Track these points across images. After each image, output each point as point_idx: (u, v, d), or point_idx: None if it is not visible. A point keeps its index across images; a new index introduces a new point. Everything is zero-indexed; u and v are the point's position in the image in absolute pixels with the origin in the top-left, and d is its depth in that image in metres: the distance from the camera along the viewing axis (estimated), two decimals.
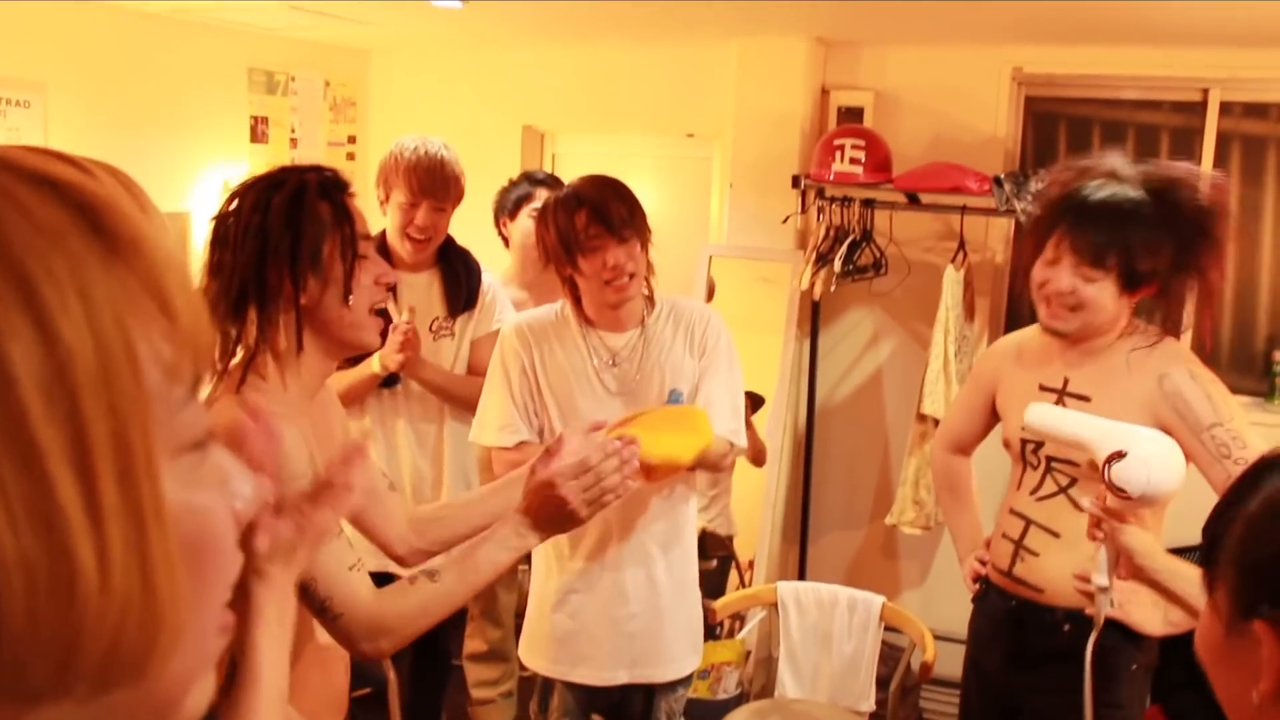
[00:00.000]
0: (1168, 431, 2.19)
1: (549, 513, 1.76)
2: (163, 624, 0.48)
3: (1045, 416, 2.14)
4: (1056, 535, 2.35)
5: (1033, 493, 2.40)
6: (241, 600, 1.27)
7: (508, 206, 3.64)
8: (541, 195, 3.58)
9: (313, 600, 1.62)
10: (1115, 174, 2.27)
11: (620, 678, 2.61)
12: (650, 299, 2.59)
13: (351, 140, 5.10)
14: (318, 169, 1.73)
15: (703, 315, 2.63)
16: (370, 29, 4.34)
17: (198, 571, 0.50)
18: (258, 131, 4.57)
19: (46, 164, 0.51)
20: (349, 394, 2.88)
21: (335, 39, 4.75)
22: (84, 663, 0.46)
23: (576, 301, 2.55)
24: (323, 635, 1.78)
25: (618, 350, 2.55)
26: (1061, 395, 2.34)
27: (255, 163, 4.53)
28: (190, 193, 4.29)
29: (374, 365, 2.89)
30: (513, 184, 3.72)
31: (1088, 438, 2.02)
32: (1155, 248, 2.20)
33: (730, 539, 4.13)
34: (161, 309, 0.50)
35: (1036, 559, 2.38)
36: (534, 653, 2.68)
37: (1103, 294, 2.24)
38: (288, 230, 1.65)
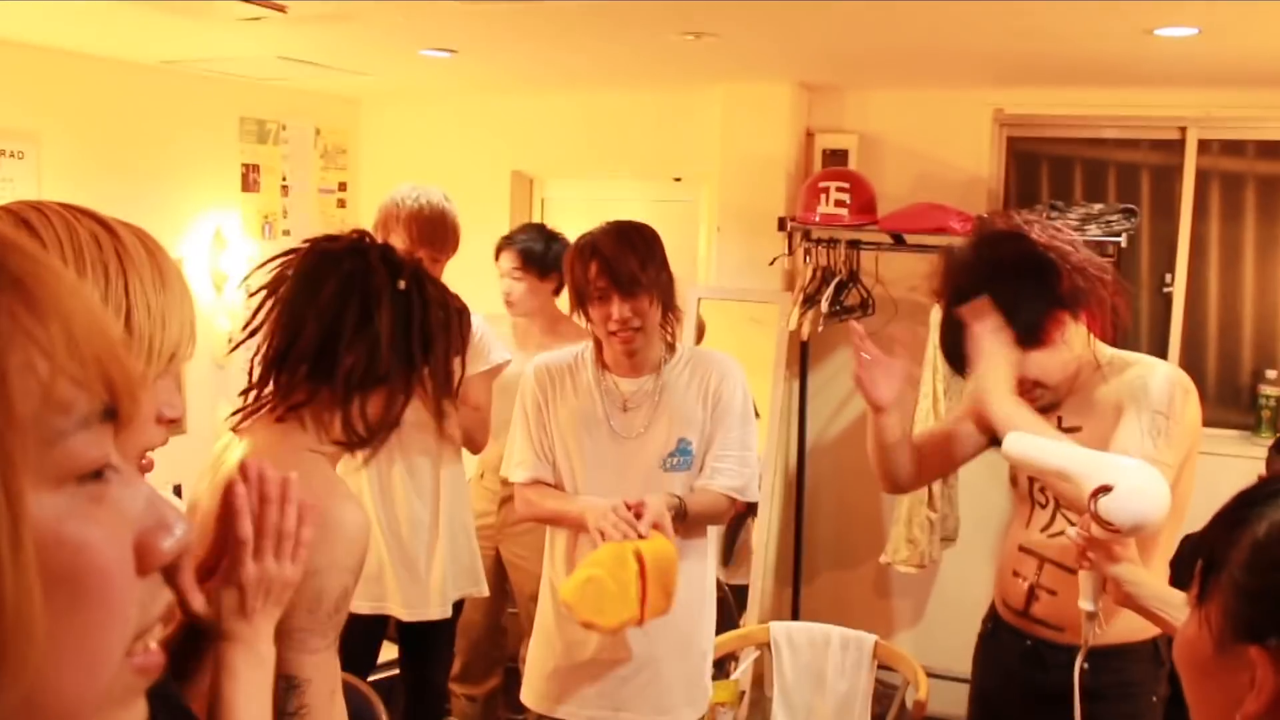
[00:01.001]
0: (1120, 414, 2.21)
1: None
2: (4, 636, 0.49)
3: (1024, 447, 2.11)
4: (1073, 572, 2.35)
5: (1044, 530, 2.39)
6: (214, 662, 1.28)
7: None
8: (504, 258, 3.76)
9: (291, 699, 1.55)
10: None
11: (604, 718, 2.61)
12: (671, 346, 2.62)
13: (342, 187, 5.14)
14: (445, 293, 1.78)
15: (721, 367, 2.64)
16: (360, 78, 4.39)
17: (74, 601, 0.52)
18: (249, 180, 4.61)
19: None
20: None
21: (326, 88, 4.80)
22: None
23: (598, 344, 2.60)
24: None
25: (629, 396, 2.58)
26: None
27: (246, 210, 4.57)
28: (182, 240, 4.32)
29: None
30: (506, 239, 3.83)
31: (1072, 470, 2.00)
32: (1024, 300, 2.24)
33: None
34: (68, 346, 0.52)
35: (1055, 597, 2.36)
36: (529, 690, 2.71)
37: (1041, 361, 2.26)
38: (446, 336, 1.70)
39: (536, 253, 3.71)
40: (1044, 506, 2.40)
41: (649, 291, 2.48)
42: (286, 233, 4.75)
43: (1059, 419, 2.35)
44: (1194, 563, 1.04)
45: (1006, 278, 2.27)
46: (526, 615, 3.92)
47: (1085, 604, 2.04)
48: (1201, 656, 1.00)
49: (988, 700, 2.57)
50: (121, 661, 0.56)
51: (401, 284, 1.66)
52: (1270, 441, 3.94)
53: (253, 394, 1.65)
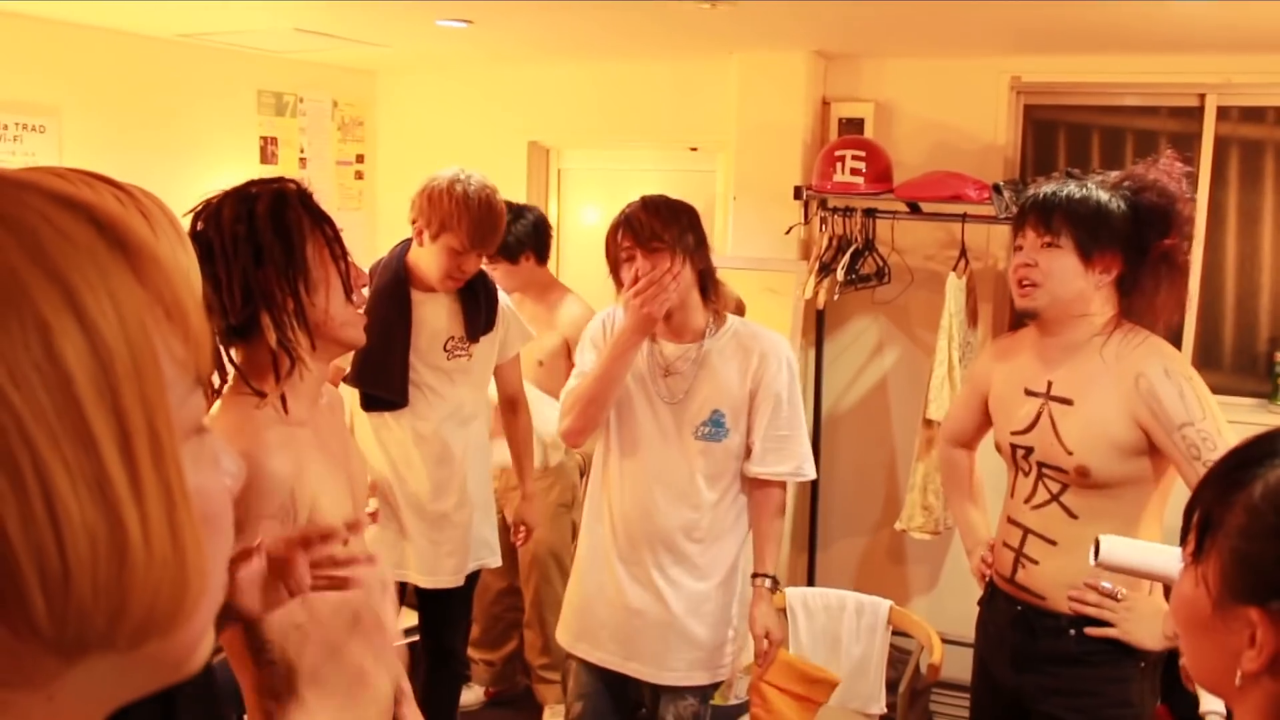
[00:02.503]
0: (1145, 431, 2.23)
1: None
2: (189, 586, 0.55)
3: (1118, 552, 1.95)
4: (1053, 543, 2.37)
5: (1027, 500, 2.43)
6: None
7: None
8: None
9: (252, 639, 1.65)
10: (1075, 175, 2.40)
11: (612, 663, 2.71)
12: (719, 315, 2.67)
13: (360, 159, 5.17)
14: (280, 179, 1.77)
15: (765, 342, 2.67)
16: (376, 50, 4.40)
17: (208, 541, 0.57)
18: (267, 152, 4.64)
19: (62, 186, 0.57)
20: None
21: (342, 60, 4.82)
22: (129, 618, 0.53)
23: None
24: (355, 648, 1.81)
25: (672, 361, 2.64)
26: (1046, 399, 2.37)
27: None
28: (181, 218, 4.34)
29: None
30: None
31: (1163, 571, 1.91)
32: (1105, 215, 2.28)
33: None
34: (170, 312, 0.57)
35: (1037, 566, 2.40)
36: (561, 625, 2.84)
37: (1063, 262, 2.29)
38: (278, 238, 1.67)
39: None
40: (1026, 475, 2.42)
41: (670, 249, 2.52)
42: None
43: (1049, 384, 2.37)
44: (1190, 518, 1.06)
45: (1127, 199, 2.30)
46: (526, 582, 3.99)
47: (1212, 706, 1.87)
48: (1199, 614, 1.02)
49: (986, 665, 2.61)
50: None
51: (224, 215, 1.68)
52: None
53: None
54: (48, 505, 0.49)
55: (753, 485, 2.68)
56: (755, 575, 2.67)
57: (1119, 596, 2.27)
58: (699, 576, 2.66)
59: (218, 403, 1.70)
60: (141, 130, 4.17)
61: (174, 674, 0.59)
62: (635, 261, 2.53)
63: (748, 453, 2.64)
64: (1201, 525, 1.03)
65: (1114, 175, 2.37)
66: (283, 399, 1.71)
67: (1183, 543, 1.08)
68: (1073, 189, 2.32)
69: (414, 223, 3.01)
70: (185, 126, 4.33)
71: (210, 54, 4.35)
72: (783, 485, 2.71)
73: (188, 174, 4.29)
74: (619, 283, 2.60)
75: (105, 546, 0.51)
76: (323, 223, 1.74)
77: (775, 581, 2.70)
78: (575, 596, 2.79)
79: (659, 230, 2.52)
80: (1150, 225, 2.27)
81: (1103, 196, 2.30)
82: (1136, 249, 2.29)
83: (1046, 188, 2.37)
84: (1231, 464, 1.03)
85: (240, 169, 4.52)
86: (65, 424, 0.50)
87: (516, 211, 3.82)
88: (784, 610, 3.53)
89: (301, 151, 4.81)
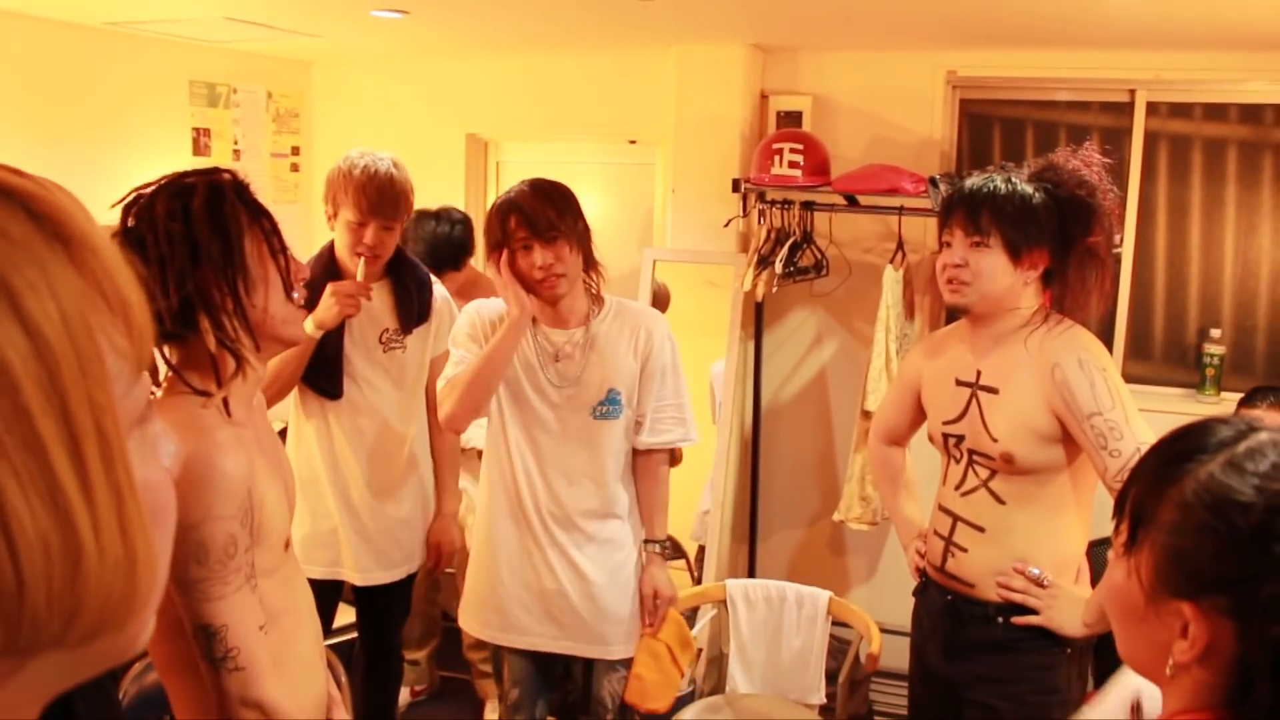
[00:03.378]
0: (1060, 420, 2.27)
1: None
2: (140, 580, 0.55)
3: None
4: (982, 530, 2.41)
5: (957, 487, 2.47)
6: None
7: None
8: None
9: (214, 646, 1.58)
10: (1002, 170, 2.43)
11: (545, 645, 2.76)
12: (598, 298, 2.73)
13: (295, 151, 5.10)
14: (216, 170, 1.69)
15: (648, 319, 2.78)
16: (312, 40, 4.34)
17: (156, 530, 0.57)
18: (200, 144, 4.56)
19: None
20: (281, 377, 2.86)
21: (277, 51, 4.75)
22: (83, 620, 0.53)
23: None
24: (301, 645, 1.79)
25: (560, 346, 2.69)
26: (975, 388, 2.41)
27: None
28: (107, 210, 4.26)
29: (309, 328, 2.79)
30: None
31: None
32: (1033, 213, 2.31)
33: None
34: (111, 302, 0.55)
35: (966, 554, 2.44)
36: (469, 616, 2.84)
37: (992, 261, 2.33)
38: (216, 235, 1.61)
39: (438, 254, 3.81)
40: (958, 462, 2.46)
41: (567, 239, 2.59)
42: None
43: (978, 373, 2.41)
44: (1121, 509, 1.07)
45: (1051, 194, 2.33)
46: (461, 576, 3.96)
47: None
48: (1131, 604, 1.04)
49: (920, 653, 2.65)
50: None
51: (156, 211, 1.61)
52: (1213, 398, 4.02)
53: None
54: (0, 518, 0.48)
55: (639, 456, 2.79)
56: (647, 541, 2.81)
57: (1045, 583, 2.31)
58: (614, 549, 2.75)
59: (156, 402, 1.66)
60: (68, 122, 4.08)
61: (119, 660, 0.59)
62: (534, 252, 2.57)
63: (636, 426, 2.74)
64: (1134, 518, 1.04)
65: (1035, 164, 2.40)
66: (225, 401, 1.66)
67: (1114, 532, 1.09)
68: (999, 185, 2.35)
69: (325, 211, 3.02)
70: (115, 118, 4.24)
71: (140, 43, 4.27)
72: (667, 453, 2.82)
73: (118, 166, 4.20)
74: (498, 267, 2.62)
75: (59, 555, 0.50)
76: (260, 216, 1.68)
77: (665, 546, 2.84)
78: (485, 588, 2.79)
79: (555, 220, 2.57)
80: (1073, 221, 2.31)
81: (1028, 192, 2.33)
82: (1061, 244, 2.33)
83: (972, 183, 2.40)
84: (1163, 458, 1.04)
85: (172, 161, 4.42)
86: (14, 434, 0.49)
87: (448, 218, 3.83)
88: (724, 601, 3.54)
89: (235, 143, 4.73)
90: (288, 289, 1.72)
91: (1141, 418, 2.24)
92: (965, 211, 2.36)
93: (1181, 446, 1.03)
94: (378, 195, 2.92)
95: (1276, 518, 0.93)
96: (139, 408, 0.58)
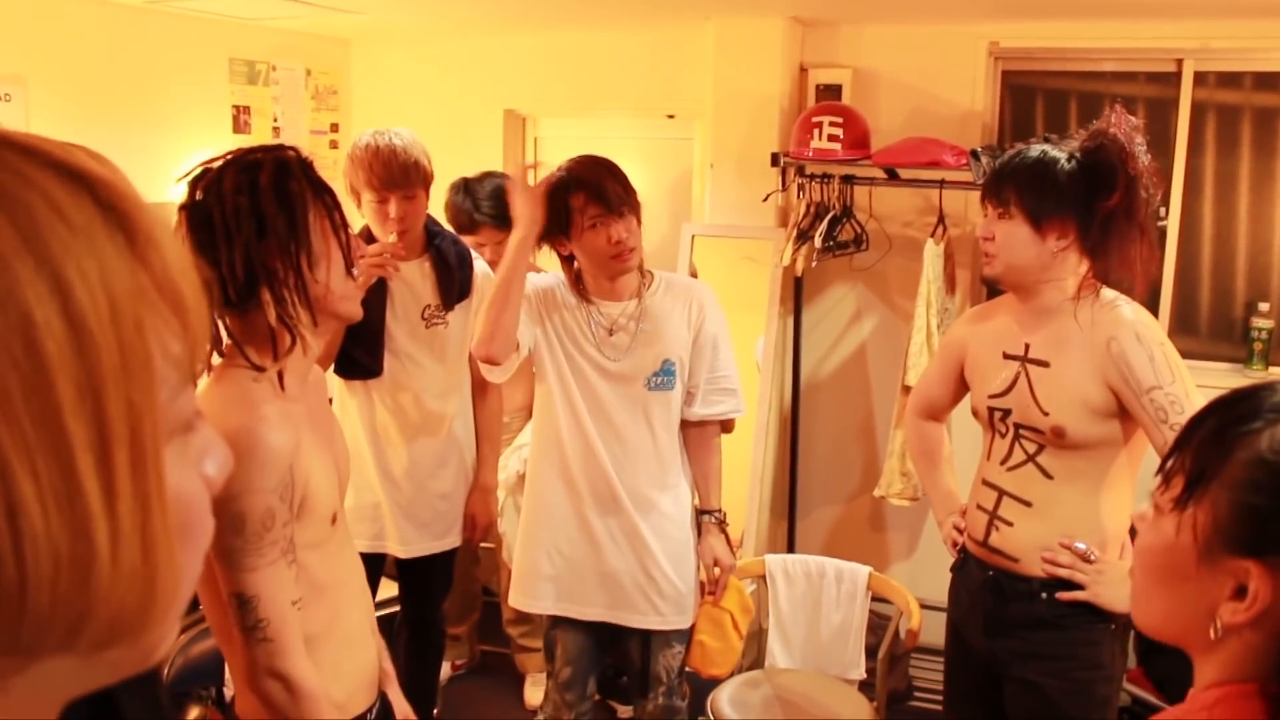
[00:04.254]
0: (1115, 394, 2.24)
1: None
2: (158, 596, 0.52)
3: None
4: (1029, 505, 2.39)
5: (1003, 462, 2.44)
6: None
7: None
8: (486, 234, 3.63)
9: (246, 615, 1.61)
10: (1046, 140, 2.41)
11: (602, 615, 2.78)
12: (644, 272, 2.74)
13: (334, 129, 5.11)
14: (281, 147, 1.72)
15: (698, 291, 2.81)
16: (350, 17, 4.35)
17: (183, 546, 0.55)
18: (240, 121, 4.58)
19: (70, 155, 0.53)
20: None
21: (316, 28, 4.76)
22: (90, 629, 0.50)
23: (574, 277, 2.73)
24: (349, 618, 1.81)
25: (615, 319, 2.71)
26: (1023, 361, 2.39)
27: None
28: (173, 184, 4.29)
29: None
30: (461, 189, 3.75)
31: None
32: (1052, 181, 2.29)
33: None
34: (173, 307, 0.53)
35: (1011, 529, 2.41)
36: (522, 592, 2.85)
37: (1015, 231, 2.32)
38: (282, 210, 1.64)
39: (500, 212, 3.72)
40: (1003, 436, 2.44)
41: (635, 211, 2.63)
42: None
43: (1026, 346, 2.39)
44: (1172, 466, 1.05)
45: (1082, 163, 2.30)
46: (498, 544, 3.97)
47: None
48: (1180, 561, 1.01)
49: (957, 630, 2.63)
50: None
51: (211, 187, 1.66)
52: (1260, 373, 3.96)
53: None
54: (9, 516, 0.46)
55: (691, 428, 2.80)
56: (703, 512, 2.83)
57: (1092, 558, 2.29)
58: (671, 520, 2.77)
59: (209, 375, 1.67)
60: (110, 100, 4.11)
61: (135, 669, 0.56)
62: (609, 227, 2.58)
63: (688, 397, 2.76)
64: (1194, 474, 1.02)
65: (1083, 135, 2.37)
66: (279, 375, 1.68)
67: (1158, 490, 1.07)
68: (1028, 155, 2.34)
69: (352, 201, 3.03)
70: (156, 96, 4.27)
71: (180, 21, 4.29)
72: (718, 424, 2.83)
73: (160, 145, 4.23)
74: (572, 249, 2.65)
75: (68, 562, 0.48)
76: (324, 193, 1.71)
77: (722, 516, 2.84)
78: (542, 560, 2.79)
79: (624, 194, 2.61)
80: (1098, 186, 2.28)
81: (1056, 162, 2.31)
82: (1088, 212, 2.29)
83: (1008, 154, 2.41)
84: (1227, 417, 1.02)
85: (212, 139, 4.47)
86: (40, 432, 0.46)
87: (475, 183, 3.75)
88: (763, 577, 3.54)
89: (275, 121, 4.75)
90: (348, 265, 1.75)
91: (1200, 393, 2.21)
92: (992, 184, 2.38)
93: (1247, 406, 1.01)
94: (385, 169, 2.92)
95: None
96: (184, 415, 0.55)
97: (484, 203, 3.60)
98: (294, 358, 1.69)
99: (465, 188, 3.67)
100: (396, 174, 2.93)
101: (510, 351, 2.64)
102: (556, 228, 2.63)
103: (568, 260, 2.72)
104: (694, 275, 4.33)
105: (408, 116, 4.91)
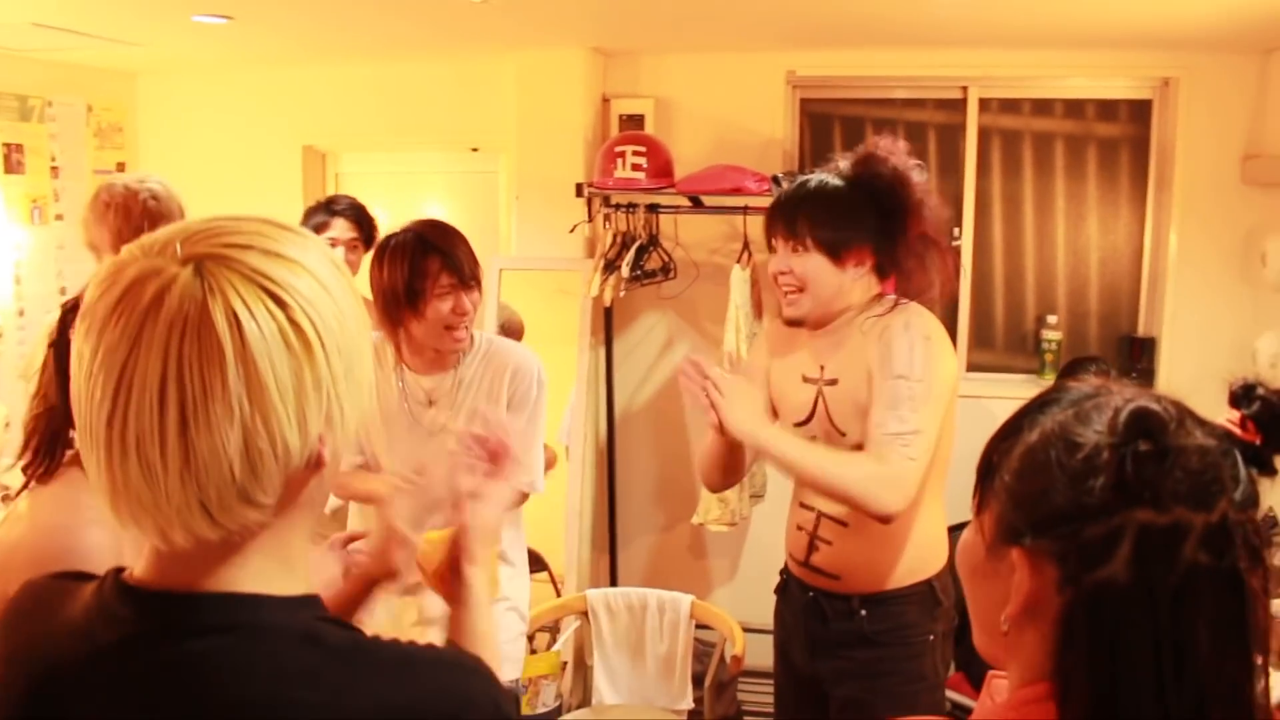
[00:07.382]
0: (870, 373, 2.27)
1: None
2: None
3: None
4: (844, 525, 2.40)
5: None
6: (459, 585, 1.39)
7: None
8: (339, 225, 3.51)
9: None
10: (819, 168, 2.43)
11: None
12: (470, 338, 2.64)
13: (121, 168, 4.85)
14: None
15: (515, 362, 2.67)
16: (133, 49, 4.13)
17: None
18: (12, 160, 4.30)
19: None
20: None
21: (97, 60, 4.51)
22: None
23: (394, 341, 2.61)
24: None
25: (431, 390, 2.62)
26: (820, 383, 2.40)
27: (10, 193, 4.26)
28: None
29: None
30: (309, 212, 3.60)
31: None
32: (846, 213, 2.31)
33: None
34: None
35: (831, 547, 2.42)
36: None
37: (814, 266, 2.32)
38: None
39: (369, 217, 3.58)
40: None
41: (479, 283, 2.55)
42: (60, 217, 4.46)
43: (822, 368, 2.40)
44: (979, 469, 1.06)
45: (864, 189, 2.31)
46: None
47: None
48: (975, 560, 1.03)
49: (784, 651, 2.63)
50: None
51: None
52: (1052, 382, 4.14)
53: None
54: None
55: None
56: None
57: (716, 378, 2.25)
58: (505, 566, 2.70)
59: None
60: None
61: None
62: (458, 297, 2.51)
63: None
64: (982, 475, 1.03)
65: (852, 158, 2.38)
66: None
67: (973, 496, 1.08)
68: (812, 188, 2.34)
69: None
70: None
71: None
72: (521, 495, 2.69)
73: None
74: (415, 315, 2.52)
75: None
76: None
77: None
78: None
79: (475, 265, 2.56)
80: (892, 214, 2.31)
81: (841, 191, 2.32)
82: (885, 237, 2.32)
83: (787, 189, 2.40)
84: (1019, 413, 1.03)
85: None
86: None
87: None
88: (585, 613, 3.49)
89: (53, 160, 4.48)
90: None
91: (939, 400, 2.23)
92: (783, 218, 2.35)
93: (1037, 401, 1.02)
94: (123, 213, 2.84)
95: (1102, 454, 0.92)
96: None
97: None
98: None
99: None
100: (131, 219, 2.83)
101: None
102: (404, 291, 2.49)
103: (393, 326, 2.57)
104: (517, 324, 4.26)
105: (200, 153, 4.72)
